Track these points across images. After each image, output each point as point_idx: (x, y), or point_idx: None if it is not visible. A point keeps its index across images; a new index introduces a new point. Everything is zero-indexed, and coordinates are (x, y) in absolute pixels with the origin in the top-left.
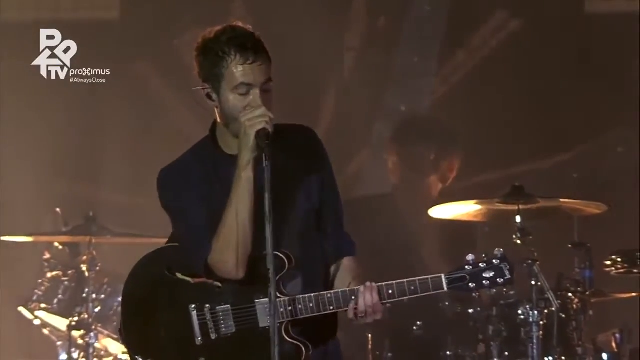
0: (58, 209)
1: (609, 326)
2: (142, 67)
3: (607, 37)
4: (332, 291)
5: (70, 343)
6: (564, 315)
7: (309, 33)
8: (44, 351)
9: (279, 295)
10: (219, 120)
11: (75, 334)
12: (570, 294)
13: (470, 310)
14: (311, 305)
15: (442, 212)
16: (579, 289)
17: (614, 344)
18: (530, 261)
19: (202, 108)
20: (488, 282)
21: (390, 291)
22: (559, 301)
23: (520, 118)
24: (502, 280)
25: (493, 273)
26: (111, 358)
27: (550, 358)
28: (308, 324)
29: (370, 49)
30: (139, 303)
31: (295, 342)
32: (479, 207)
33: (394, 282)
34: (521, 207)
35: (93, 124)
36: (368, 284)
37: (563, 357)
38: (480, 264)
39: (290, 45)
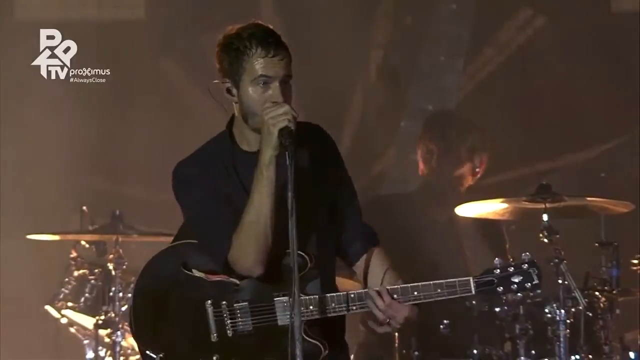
0: (84, 208)
1: (636, 325)
2: (168, 64)
3: (634, 35)
4: (355, 291)
5: (97, 341)
6: (590, 314)
7: (335, 32)
8: (71, 350)
9: (301, 294)
10: (237, 115)
11: (102, 332)
12: (597, 293)
13: (497, 309)
14: (333, 305)
15: (468, 210)
16: (605, 287)
17: None
18: (557, 260)
19: (217, 102)
20: (516, 286)
21: (416, 292)
22: (586, 300)
23: (546, 115)
24: (529, 284)
25: (521, 277)
26: (138, 356)
27: (577, 356)
28: (322, 325)
29: (397, 48)
30: (152, 297)
31: (314, 341)
32: (505, 205)
33: (420, 283)
34: (548, 205)
35: (118, 121)
36: (372, 290)
37: (590, 356)
38: (509, 268)
39: (316, 44)
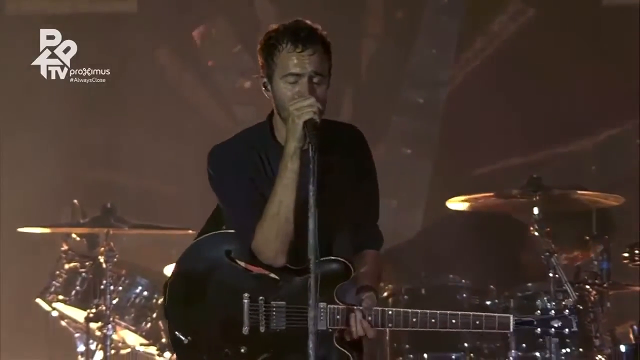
0: (75, 201)
1: (626, 318)
2: (160, 56)
3: (625, 27)
4: (393, 309)
5: (88, 334)
6: (581, 307)
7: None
8: (62, 343)
9: (337, 302)
10: (275, 110)
11: (93, 325)
12: (588, 286)
13: (488, 302)
14: (369, 318)
15: (460, 204)
16: (596, 280)
17: (631, 336)
18: (548, 253)
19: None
20: (554, 330)
21: (454, 321)
22: (577, 293)
23: (536, 107)
24: (568, 331)
25: (561, 323)
26: (128, 349)
27: (568, 350)
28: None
29: (388, 42)
30: (191, 280)
31: (344, 350)
32: (497, 199)
33: (460, 312)
34: (539, 198)
35: (109, 115)
36: (352, 316)
37: (581, 349)
38: (551, 312)
39: None
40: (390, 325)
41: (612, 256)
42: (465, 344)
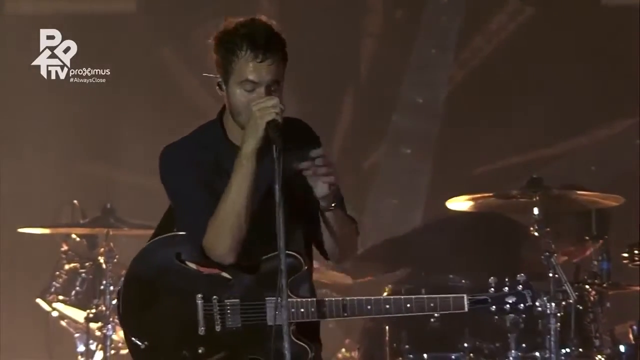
0: (75, 201)
1: (626, 318)
2: (161, 56)
3: (624, 27)
4: (346, 298)
5: (88, 335)
6: (581, 307)
7: (327, 22)
8: (62, 343)
9: (291, 295)
10: (226, 107)
11: (93, 325)
12: (587, 286)
13: None
14: (324, 309)
15: (459, 204)
16: (596, 280)
17: (631, 336)
18: (547, 253)
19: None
20: (509, 307)
21: (409, 305)
22: (577, 293)
23: (535, 106)
24: (523, 306)
25: (515, 299)
26: (128, 350)
27: (568, 350)
28: (305, 327)
29: (387, 42)
30: (143, 285)
31: (301, 343)
32: (496, 198)
33: (414, 296)
34: (539, 199)
35: (109, 115)
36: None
37: (580, 349)
38: (504, 288)
39: (309, 34)
40: (345, 314)
41: (611, 256)
42: (465, 344)
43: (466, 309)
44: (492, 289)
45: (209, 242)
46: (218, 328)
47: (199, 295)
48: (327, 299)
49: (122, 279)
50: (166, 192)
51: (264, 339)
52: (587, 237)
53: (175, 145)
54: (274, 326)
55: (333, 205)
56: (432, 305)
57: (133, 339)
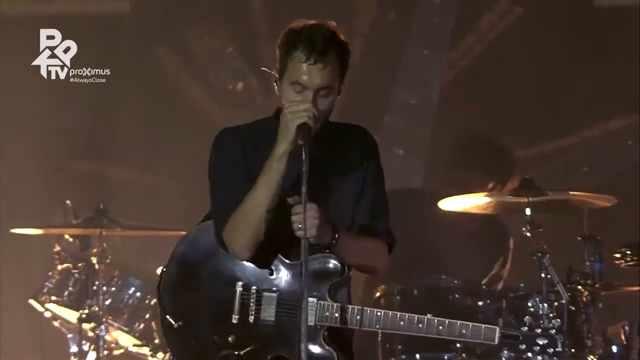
0: (68, 202)
1: (618, 318)
2: (157, 55)
3: (616, 28)
4: (380, 310)
5: (81, 335)
6: (573, 308)
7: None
8: (55, 344)
9: (327, 299)
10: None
11: (86, 326)
12: (579, 287)
13: (480, 303)
14: (358, 317)
15: (452, 204)
16: (588, 281)
17: (623, 336)
18: (540, 254)
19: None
20: (539, 348)
21: (441, 327)
22: (569, 294)
23: (526, 107)
24: (552, 350)
25: (546, 341)
26: (121, 350)
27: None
28: (337, 335)
29: (379, 42)
30: (186, 267)
31: (329, 348)
32: (488, 199)
33: (447, 320)
34: (531, 199)
35: (108, 115)
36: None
37: (572, 349)
38: (538, 330)
39: None
40: (377, 327)
41: (604, 257)
42: (458, 345)
43: (496, 342)
44: (526, 328)
45: (227, 235)
46: (251, 319)
47: (240, 283)
48: (365, 309)
49: (169, 257)
50: (208, 172)
51: (293, 338)
52: (579, 238)
53: (232, 128)
54: (304, 326)
55: (327, 250)
56: (463, 331)
57: (168, 317)
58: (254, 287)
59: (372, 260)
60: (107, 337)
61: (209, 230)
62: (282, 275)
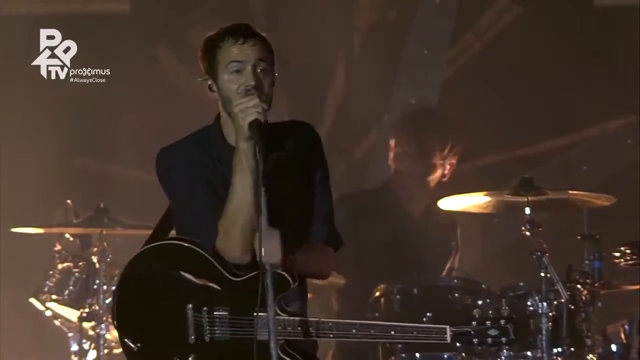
0: (69, 201)
1: (617, 317)
2: (158, 55)
3: (616, 27)
4: (333, 320)
5: (81, 334)
6: (573, 307)
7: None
8: (55, 342)
9: (280, 313)
10: (221, 111)
11: (86, 325)
12: (579, 286)
13: (480, 302)
14: (311, 328)
15: (451, 203)
16: (588, 280)
17: (622, 335)
18: (539, 253)
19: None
20: (491, 340)
21: (393, 332)
22: (568, 292)
23: (525, 102)
24: (505, 339)
25: (498, 332)
26: (122, 349)
27: (559, 349)
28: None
29: (379, 41)
30: (138, 288)
31: (289, 358)
32: (488, 198)
33: (399, 324)
34: (530, 198)
35: (103, 115)
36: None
37: (572, 348)
38: (487, 322)
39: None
40: (331, 335)
41: (603, 256)
42: (457, 344)
43: (449, 340)
44: (475, 322)
45: (222, 245)
46: (207, 339)
47: (190, 306)
48: (314, 320)
49: (116, 278)
50: (166, 193)
51: (251, 354)
52: (579, 237)
53: (173, 146)
54: (255, 342)
55: None
56: (414, 333)
57: (126, 340)
58: (204, 308)
59: (320, 267)
60: (108, 336)
61: (155, 253)
62: (232, 293)
